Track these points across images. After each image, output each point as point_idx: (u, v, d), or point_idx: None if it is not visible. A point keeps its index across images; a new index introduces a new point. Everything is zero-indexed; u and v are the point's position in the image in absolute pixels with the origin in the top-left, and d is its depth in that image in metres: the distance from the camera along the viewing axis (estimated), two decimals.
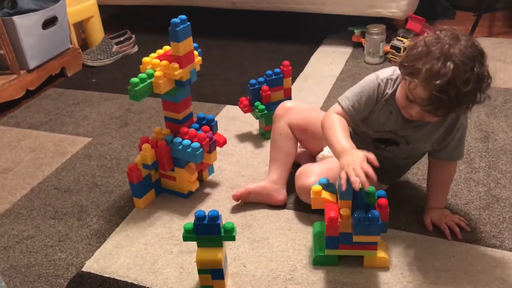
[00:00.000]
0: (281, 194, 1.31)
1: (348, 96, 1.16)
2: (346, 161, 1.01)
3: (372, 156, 1.01)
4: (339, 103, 1.16)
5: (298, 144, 1.39)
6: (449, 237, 1.16)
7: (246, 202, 1.33)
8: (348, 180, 0.99)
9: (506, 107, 1.73)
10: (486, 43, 2.26)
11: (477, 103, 1.01)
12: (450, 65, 0.94)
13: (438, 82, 0.94)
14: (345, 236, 1.05)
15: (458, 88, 0.94)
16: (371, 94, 1.14)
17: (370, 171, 0.98)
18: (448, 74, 0.94)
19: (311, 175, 1.22)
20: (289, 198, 1.33)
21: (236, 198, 1.31)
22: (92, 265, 1.16)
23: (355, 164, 0.99)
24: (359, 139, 1.22)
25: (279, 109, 1.37)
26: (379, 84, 1.13)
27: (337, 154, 1.07)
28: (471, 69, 0.95)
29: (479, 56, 0.98)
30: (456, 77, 0.94)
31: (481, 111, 1.71)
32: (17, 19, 1.89)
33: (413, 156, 1.26)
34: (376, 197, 1.05)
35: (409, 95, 1.03)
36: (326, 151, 1.33)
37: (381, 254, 1.10)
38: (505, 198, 1.29)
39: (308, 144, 1.39)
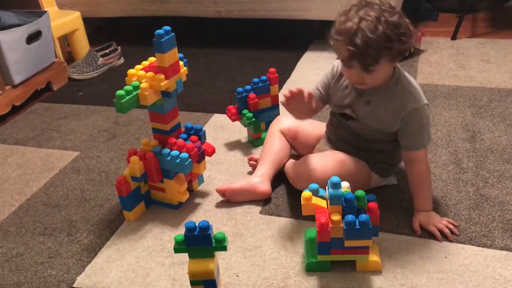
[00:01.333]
0: (264, 186, 1.34)
1: (316, 83, 1.34)
2: None
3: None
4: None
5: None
6: (440, 239, 1.17)
7: (232, 200, 1.35)
8: (336, 184, 1.02)
9: (492, 107, 1.75)
10: (470, 44, 2.30)
11: (401, 50, 1.10)
12: (355, 19, 1.07)
13: (348, 35, 1.07)
14: (336, 241, 1.05)
15: (367, 36, 1.04)
16: (327, 73, 1.31)
17: None
18: (354, 26, 1.06)
19: (309, 164, 1.27)
20: (280, 205, 1.33)
21: (220, 192, 1.35)
22: (83, 281, 1.15)
23: None
24: (333, 116, 1.34)
25: (273, 121, 1.50)
26: (333, 65, 1.30)
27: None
28: (377, 19, 1.05)
29: (389, 8, 1.08)
30: (363, 27, 1.05)
31: (467, 111, 1.73)
32: (0, 34, 1.88)
33: (376, 137, 1.26)
34: (366, 201, 1.06)
35: (340, 58, 1.16)
36: (322, 143, 1.39)
37: (373, 258, 1.10)
38: (494, 197, 1.30)
39: (300, 149, 1.46)
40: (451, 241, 1.17)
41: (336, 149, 1.33)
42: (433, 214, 1.22)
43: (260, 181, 1.35)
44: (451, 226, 1.19)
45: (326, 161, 1.27)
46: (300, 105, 1.20)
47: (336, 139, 1.34)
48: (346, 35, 1.07)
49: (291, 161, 1.36)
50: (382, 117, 1.21)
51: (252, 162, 1.49)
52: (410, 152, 1.21)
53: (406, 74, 1.21)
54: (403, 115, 1.18)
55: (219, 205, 1.36)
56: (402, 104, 1.17)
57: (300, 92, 1.17)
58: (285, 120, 1.46)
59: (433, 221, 1.20)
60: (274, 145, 1.42)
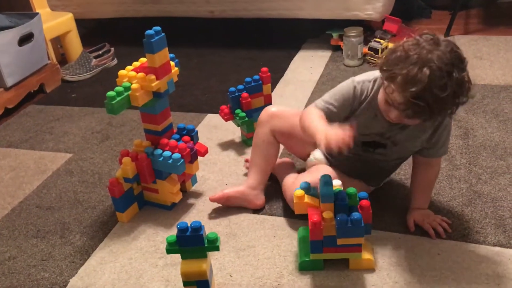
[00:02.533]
0: (259, 200, 1.32)
1: (324, 98, 1.17)
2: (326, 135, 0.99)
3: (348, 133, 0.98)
4: (316, 105, 1.16)
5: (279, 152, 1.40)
6: (434, 236, 1.17)
7: (226, 205, 1.33)
8: (327, 182, 1.02)
9: (484, 103, 1.75)
10: (462, 41, 2.30)
11: (459, 105, 1.02)
12: (426, 71, 0.93)
13: (413, 88, 0.94)
14: (329, 239, 1.05)
15: (435, 94, 0.94)
16: (345, 95, 1.14)
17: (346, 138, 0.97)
18: (424, 80, 0.93)
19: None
20: (273, 204, 1.33)
21: (213, 200, 1.33)
22: (76, 283, 1.15)
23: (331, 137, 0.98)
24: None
25: (263, 115, 1.35)
26: (354, 87, 1.14)
27: (315, 133, 1.04)
28: (448, 75, 0.94)
29: (458, 61, 0.98)
30: (432, 83, 0.93)
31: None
32: None
33: (402, 157, 1.26)
34: (358, 199, 1.06)
35: (387, 99, 1.03)
36: (313, 156, 1.33)
37: (366, 256, 1.10)
38: (487, 193, 1.31)
39: (294, 149, 1.41)
40: (444, 238, 1.17)
41: (337, 167, 1.26)
42: (428, 211, 1.22)
43: (256, 194, 1.32)
44: (444, 224, 1.19)
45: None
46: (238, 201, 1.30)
47: (341, 163, 1.25)
48: (411, 85, 0.95)
49: (288, 181, 1.30)
50: (420, 135, 1.14)
51: (248, 165, 1.45)
52: (434, 159, 1.20)
53: None
54: (435, 125, 1.13)
55: (212, 205, 1.36)
56: (439, 121, 1.13)
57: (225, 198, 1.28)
58: (276, 120, 1.32)
59: (428, 219, 1.20)
60: (267, 151, 1.33)
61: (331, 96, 1.16)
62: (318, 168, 1.25)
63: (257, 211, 1.32)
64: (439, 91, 0.94)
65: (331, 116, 1.13)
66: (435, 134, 1.15)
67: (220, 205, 1.35)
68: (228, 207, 1.33)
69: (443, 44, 0.98)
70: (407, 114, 1.01)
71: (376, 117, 1.13)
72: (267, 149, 1.33)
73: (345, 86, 1.16)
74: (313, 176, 1.20)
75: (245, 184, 1.33)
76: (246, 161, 1.51)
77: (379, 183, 1.32)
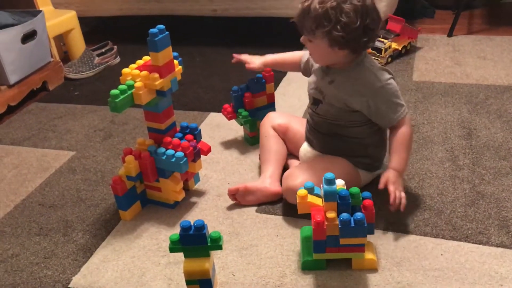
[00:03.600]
0: (276, 187, 1.34)
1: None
2: None
3: None
4: (302, 55, 1.44)
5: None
6: (393, 202, 1.15)
7: (243, 201, 1.33)
8: (330, 181, 1.02)
9: (488, 104, 1.75)
10: (466, 41, 2.30)
11: (338, 38, 1.12)
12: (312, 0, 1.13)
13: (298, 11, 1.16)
14: (332, 239, 1.05)
15: (313, 3, 1.12)
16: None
17: None
18: (307, 4, 1.14)
19: (298, 177, 1.25)
20: (276, 204, 1.33)
21: (231, 192, 1.32)
22: (79, 281, 1.15)
23: None
24: (308, 109, 1.38)
25: (264, 118, 1.50)
26: None
27: None
28: (334, 0, 1.11)
29: (355, 10, 1.11)
30: (311, 4, 1.13)
31: (463, 108, 1.72)
32: None
33: (340, 119, 1.27)
34: (361, 198, 1.05)
35: None
36: (305, 145, 1.39)
37: (369, 256, 1.10)
38: (490, 194, 1.30)
39: (288, 145, 1.46)
40: (447, 238, 1.16)
41: (316, 147, 1.35)
42: (402, 179, 1.21)
43: (271, 182, 1.34)
44: (403, 201, 1.17)
45: (311, 172, 1.25)
46: (256, 193, 1.33)
47: (313, 133, 1.35)
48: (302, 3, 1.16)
49: (286, 173, 1.34)
50: (342, 95, 1.23)
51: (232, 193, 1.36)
52: (391, 126, 1.24)
53: (374, 61, 1.25)
54: (368, 96, 1.20)
55: (215, 204, 1.36)
56: (363, 84, 1.21)
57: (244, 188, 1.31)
58: (275, 117, 1.49)
59: (397, 184, 1.18)
60: (274, 144, 1.43)
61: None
62: (310, 163, 1.33)
63: (260, 205, 1.32)
64: (317, 3, 1.12)
65: (303, 66, 1.42)
66: (374, 105, 1.20)
67: (222, 201, 1.35)
68: (245, 204, 1.33)
69: None
70: (298, 25, 1.19)
71: (317, 69, 1.31)
72: (273, 142, 1.43)
73: None
74: (308, 167, 1.29)
75: (260, 176, 1.38)
76: (230, 191, 1.40)
77: (368, 167, 1.32)
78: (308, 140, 1.39)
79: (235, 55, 1.55)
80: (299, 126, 1.44)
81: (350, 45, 1.15)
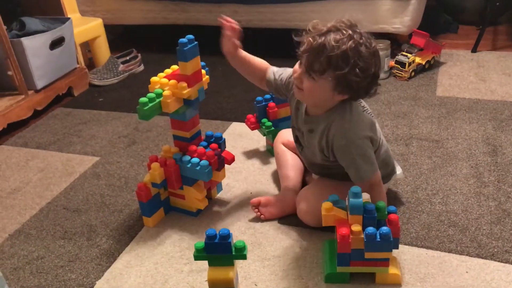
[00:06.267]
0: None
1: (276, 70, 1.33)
2: None
3: None
4: (268, 73, 1.34)
5: None
6: None
7: (266, 214, 1.32)
8: (356, 194, 1.02)
9: None
10: (490, 57, 2.29)
11: (349, 82, 1.06)
12: (332, 25, 1.07)
13: (316, 32, 1.08)
14: (357, 252, 1.05)
15: (330, 42, 1.04)
16: (288, 76, 1.28)
17: None
18: (326, 29, 1.07)
19: (309, 200, 1.25)
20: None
21: (254, 204, 1.32)
22: (102, 285, 1.16)
23: None
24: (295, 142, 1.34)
25: (276, 137, 1.52)
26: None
27: None
28: (350, 38, 1.04)
29: (369, 43, 1.07)
30: (333, 34, 1.05)
31: (488, 125, 1.71)
32: (25, 40, 1.92)
33: (328, 165, 1.24)
34: (386, 213, 1.05)
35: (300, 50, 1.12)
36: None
37: (393, 270, 1.09)
38: None
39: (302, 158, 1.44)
40: (472, 255, 1.15)
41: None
42: None
43: (292, 194, 1.33)
44: None
45: (324, 193, 1.18)
46: (279, 205, 1.31)
47: (311, 168, 1.34)
48: (316, 31, 1.08)
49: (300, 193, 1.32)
50: (319, 148, 1.19)
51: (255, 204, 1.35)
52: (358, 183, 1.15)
53: (354, 107, 1.16)
54: (332, 149, 1.17)
55: (237, 213, 1.36)
56: (331, 139, 1.16)
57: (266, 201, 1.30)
58: (285, 134, 1.47)
59: None
60: (289, 159, 1.43)
61: (280, 69, 1.33)
62: (320, 184, 1.30)
63: (283, 221, 1.32)
64: (334, 41, 1.04)
65: (270, 85, 1.33)
66: (338, 157, 1.17)
67: (245, 211, 1.36)
68: (266, 217, 1.32)
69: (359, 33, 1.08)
70: (302, 59, 1.11)
71: (298, 111, 1.25)
72: (287, 157, 1.43)
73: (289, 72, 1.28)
74: (317, 193, 1.25)
75: (282, 189, 1.38)
76: (253, 203, 1.39)
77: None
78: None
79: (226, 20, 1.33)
80: None
81: (357, 91, 1.10)
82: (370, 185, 1.16)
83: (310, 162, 1.31)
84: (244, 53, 1.36)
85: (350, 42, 1.04)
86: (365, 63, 1.05)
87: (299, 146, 1.30)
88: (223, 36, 1.30)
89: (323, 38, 1.05)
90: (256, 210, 1.33)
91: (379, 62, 1.10)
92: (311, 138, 1.21)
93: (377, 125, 1.22)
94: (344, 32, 1.05)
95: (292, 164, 1.42)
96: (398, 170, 1.34)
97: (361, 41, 1.05)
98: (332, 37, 1.05)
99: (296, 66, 1.15)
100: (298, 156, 1.42)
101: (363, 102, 1.22)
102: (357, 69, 1.04)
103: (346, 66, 1.04)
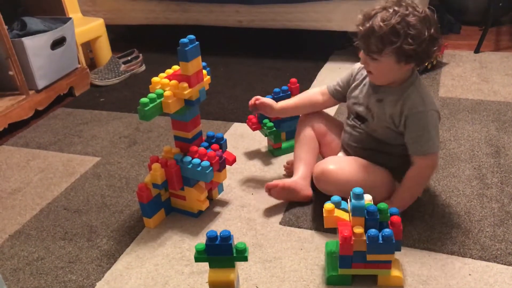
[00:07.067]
0: (309, 190, 1.36)
1: (334, 82, 1.40)
2: None
3: None
4: (327, 87, 1.41)
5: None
6: None
7: (275, 197, 1.36)
8: (359, 195, 1.02)
9: None
10: (493, 57, 2.28)
11: (408, 52, 1.11)
12: (379, 7, 1.13)
13: (365, 17, 1.14)
14: (359, 254, 1.04)
15: (377, 22, 1.10)
16: (348, 73, 1.36)
17: None
18: (373, 12, 1.13)
19: (332, 162, 1.28)
20: (301, 217, 1.32)
21: (270, 187, 1.34)
22: (102, 287, 1.15)
23: None
24: (348, 123, 1.36)
25: (303, 116, 1.47)
26: (353, 68, 1.35)
27: None
28: (395, 12, 1.10)
29: (416, 11, 1.11)
30: (379, 15, 1.11)
31: (491, 126, 1.70)
32: (26, 40, 1.91)
33: (383, 138, 1.27)
34: (388, 214, 1.04)
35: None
36: (341, 155, 1.39)
37: (395, 273, 1.08)
38: None
39: (324, 148, 1.45)
40: (475, 258, 1.14)
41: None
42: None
43: (305, 185, 1.36)
44: None
45: (352, 164, 1.27)
46: (291, 192, 1.35)
47: (353, 149, 1.34)
48: (365, 16, 1.15)
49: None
50: (390, 115, 1.22)
51: (288, 166, 1.52)
52: (414, 156, 1.21)
53: (424, 85, 1.23)
54: (406, 115, 1.19)
55: (238, 214, 1.36)
56: (408, 105, 1.19)
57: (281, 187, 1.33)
58: (315, 118, 1.46)
59: None
60: (310, 144, 1.43)
61: (341, 77, 1.38)
62: (352, 157, 1.32)
63: (284, 217, 1.32)
64: (381, 21, 1.10)
65: (336, 94, 1.39)
66: (408, 125, 1.19)
67: (246, 212, 1.35)
68: (277, 198, 1.36)
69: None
70: (360, 45, 1.17)
71: (364, 86, 1.29)
72: (309, 143, 1.43)
73: (348, 71, 1.37)
74: (345, 161, 1.31)
75: (296, 176, 1.38)
76: (288, 163, 1.54)
77: (398, 176, 1.28)
78: (345, 152, 1.38)
79: (254, 100, 1.46)
80: (337, 132, 1.43)
81: (419, 57, 1.14)
82: (426, 165, 1.20)
83: (364, 138, 1.30)
84: (287, 103, 1.46)
85: (396, 17, 1.10)
86: (416, 30, 1.10)
87: (357, 122, 1.31)
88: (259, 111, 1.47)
89: (371, 21, 1.12)
90: (269, 191, 1.34)
91: (433, 24, 1.13)
92: (380, 108, 1.23)
93: None
94: (390, 9, 1.11)
95: (313, 151, 1.43)
96: None
97: (407, 12, 1.11)
98: (379, 17, 1.11)
99: (360, 54, 1.21)
100: (320, 145, 1.45)
101: None
102: (409, 39, 1.09)
103: (399, 39, 1.10)
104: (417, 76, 1.22)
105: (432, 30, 1.12)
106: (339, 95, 1.38)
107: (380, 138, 1.27)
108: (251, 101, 1.47)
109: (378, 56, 1.14)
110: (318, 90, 1.44)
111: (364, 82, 1.30)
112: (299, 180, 1.36)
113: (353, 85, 1.33)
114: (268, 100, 1.45)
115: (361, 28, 1.14)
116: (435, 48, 1.16)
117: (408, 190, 1.24)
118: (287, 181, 1.34)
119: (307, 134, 1.43)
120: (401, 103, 1.19)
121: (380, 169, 1.28)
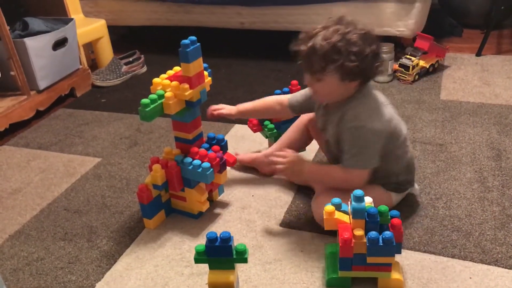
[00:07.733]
0: (269, 167, 1.32)
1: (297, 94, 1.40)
2: None
3: None
4: (288, 99, 1.41)
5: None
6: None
7: (262, 171, 1.49)
8: (359, 198, 1.01)
9: None
10: (495, 61, 2.27)
11: (351, 70, 1.09)
12: (320, 27, 1.13)
13: (305, 37, 1.14)
14: (359, 257, 1.04)
15: (318, 41, 1.10)
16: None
17: None
18: (313, 32, 1.13)
19: (315, 206, 1.26)
20: (301, 219, 1.32)
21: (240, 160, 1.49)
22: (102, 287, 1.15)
23: None
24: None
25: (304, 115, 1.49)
26: None
27: None
28: (336, 31, 1.09)
29: (358, 30, 1.11)
30: (320, 34, 1.11)
31: (492, 129, 1.70)
32: (28, 41, 1.91)
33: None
34: (389, 217, 1.04)
35: None
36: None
37: (395, 275, 1.08)
38: None
39: (318, 139, 1.47)
40: (476, 261, 1.14)
41: None
42: (297, 173, 1.26)
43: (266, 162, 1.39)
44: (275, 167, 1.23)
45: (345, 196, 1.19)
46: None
47: (328, 156, 1.38)
48: (306, 36, 1.14)
49: (316, 200, 1.30)
50: (335, 133, 1.21)
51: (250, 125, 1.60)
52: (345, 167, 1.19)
53: (374, 96, 1.21)
54: (342, 127, 1.18)
55: (239, 216, 1.35)
56: (345, 118, 1.17)
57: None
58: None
59: (287, 162, 1.22)
60: (291, 132, 1.50)
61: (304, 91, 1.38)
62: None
63: (285, 220, 1.32)
64: (322, 40, 1.09)
65: (296, 107, 1.39)
66: (344, 137, 1.18)
67: (246, 213, 1.35)
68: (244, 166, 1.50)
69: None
70: (304, 66, 1.16)
71: (320, 109, 1.29)
72: (293, 131, 1.49)
73: None
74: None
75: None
76: (250, 121, 1.61)
77: (397, 189, 1.28)
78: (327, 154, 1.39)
79: (211, 111, 1.47)
80: None
81: (363, 74, 1.13)
82: (346, 178, 1.18)
83: (338, 157, 1.27)
84: (245, 106, 1.47)
85: (337, 35, 1.09)
86: (357, 47, 1.09)
87: (326, 145, 1.33)
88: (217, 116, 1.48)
89: (312, 41, 1.11)
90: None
91: (374, 40, 1.13)
92: (332, 128, 1.23)
93: (403, 124, 1.24)
94: (330, 28, 1.11)
95: (292, 137, 1.49)
96: (416, 186, 1.34)
97: (347, 30, 1.10)
98: (320, 36, 1.10)
99: (305, 76, 1.20)
100: (315, 138, 1.49)
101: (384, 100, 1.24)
102: (351, 56, 1.08)
103: (341, 56, 1.09)
104: (367, 92, 1.19)
105: (374, 46, 1.12)
106: (298, 108, 1.38)
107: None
108: (208, 114, 1.46)
109: (321, 76, 1.13)
110: (277, 99, 1.42)
111: (319, 104, 1.30)
112: (260, 157, 1.48)
113: (317, 107, 1.32)
114: (224, 110, 1.46)
115: (302, 48, 1.13)
116: (377, 64, 1.15)
117: (324, 175, 1.24)
118: (246, 157, 1.52)
119: (296, 124, 1.49)
120: (340, 117, 1.18)
121: (371, 186, 1.22)
